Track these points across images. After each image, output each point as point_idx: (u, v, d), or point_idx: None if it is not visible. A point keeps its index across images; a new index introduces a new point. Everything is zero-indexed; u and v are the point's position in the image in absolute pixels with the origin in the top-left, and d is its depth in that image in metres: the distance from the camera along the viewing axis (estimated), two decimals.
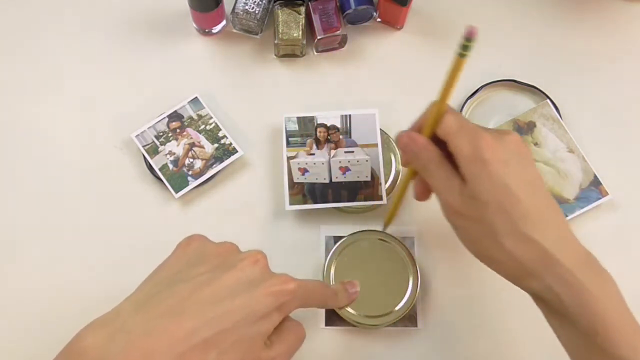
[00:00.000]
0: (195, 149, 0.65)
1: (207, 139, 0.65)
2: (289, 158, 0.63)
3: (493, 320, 0.60)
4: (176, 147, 0.64)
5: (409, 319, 0.59)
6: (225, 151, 0.64)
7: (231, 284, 0.44)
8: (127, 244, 0.63)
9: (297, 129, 0.64)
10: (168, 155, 0.64)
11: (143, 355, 0.40)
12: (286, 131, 0.64)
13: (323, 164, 0.63)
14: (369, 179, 0.62)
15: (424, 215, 0.64)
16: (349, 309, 0.57)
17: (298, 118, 0.65)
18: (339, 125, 0.64)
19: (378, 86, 0.69)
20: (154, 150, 0.64)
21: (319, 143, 0.64)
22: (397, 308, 0.58)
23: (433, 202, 0.64)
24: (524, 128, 0.66)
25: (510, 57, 0.70)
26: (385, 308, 0.58)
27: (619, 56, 0.71)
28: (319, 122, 0.64)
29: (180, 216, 0.64)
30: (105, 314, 0.44)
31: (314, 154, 0.63)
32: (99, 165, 0.65)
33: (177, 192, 0.63)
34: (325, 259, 0.60)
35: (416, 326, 0.59)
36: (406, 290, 0.58)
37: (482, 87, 0.68)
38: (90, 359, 0.40)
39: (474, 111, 0.68)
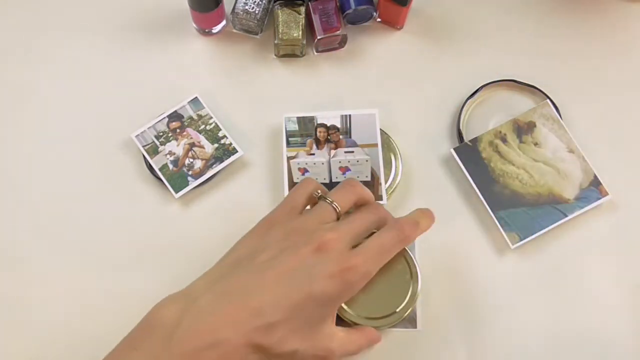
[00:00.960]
0: (195, 149, 0.65)
1: (207, 139, 0.65)
2: (289, 158, 0.63)
3: (493, 321, 0.60)
4: (176, 147, 0.64)
5: (409, 320, 0.59)
6: (225, 151, 0.64)
7: (291, 268, 0.47)
8: (127, 244, 0.63)
9: (297, 129, 0.64)
10: (168, 155, 0.64)
11: (210, 331, 0.44)
12: (286, 131, 0.64)
13: (323, 164, 0.63)
14: (369, 179, 0.62)
15: None
16: (349, 310, 0.56)
17: (298, 118, 0.65)
18: (339, 125, 0.64)
19: (378, 86, 0.69)
20: (154, 150, 0.64)
21: (319, 143, 0.64)
22: (398, 309, 0.58)
23: (434, 203, 0.65)
24: (524, 128, 0.66)
25: (510, 57, 0.70)
26: (386, 310, 0.57)
27: (619, 56, 0.71)
28: (319, 122, 0.64)
29: (180, 216, 0.64)
30: (180, 291, 0.48)
31: (314, 154, 0.63)
32: (99, 165, 0.65)
33: (177, 192, 0.63)
34: None
35: (416, 327, 0.59)
36: (407, 291, 0.58)
37: (482, 87, 0.68)
38: (162, 332, 0.44)
39: (474, 111, 0.68)
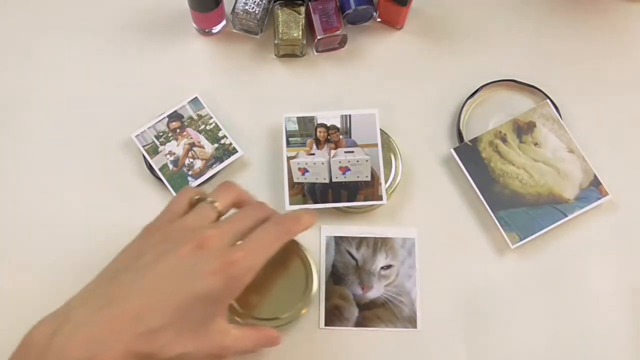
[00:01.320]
0: (195, 149, 0.65)
1: (207, 139, 0.65)
2: (289, 158, 0.63)
3: (493, 321, 0.60)
4: (176, 147, 0.64)
5: (409, 320, 0.59)
6: (225, 151, 0.64)
7: (171, 268, 0.45)
8: (127, 244, 0.62)
9: (297, 129, 0.64)
10: (168, 155, 0.64)
11: (84, 345, 0.42)
12: (286, 131, 0.64)
13: (323, 164, 0.63)
14: (369, 179, 0.62)
15: (421, 220, 0.64)
16: (246, 313, 0.55)
17: (298, 118, 0.65)
18: (339, 125, 0.64)
19: (378, 86, 0.69)
20: (154, 150, 0.64)
21: (319, 143, 0.64)
22: (293, 309, 0.56)
23: (434, 203, 0.65)
24: (524, 128, 0.66)
25: (510, 57, 0.70)
26: (282, 310, 0.56)
27: (619, 56, 0.71)
28: (319, 122, 0.64)
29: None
30: (56, 310, 0.46)
31: (314, 154, 0.63)
32: (99, 165, 0.65)
33: (177, 192, 0.63)
34: None
35: (416, 327, 0.59)
36: (303, 291, 0.57)
37: (482, 87, 0.68)
38: (37, 351, 0.42)
39: (474, 111, 0.68)
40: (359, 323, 0.59)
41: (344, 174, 0.63)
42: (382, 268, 0.61)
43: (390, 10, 0.69)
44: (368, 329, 0.59)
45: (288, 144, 0.64)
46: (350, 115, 0.64)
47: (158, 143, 0.65)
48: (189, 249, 0.46)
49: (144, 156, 0.64)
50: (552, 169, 0.64)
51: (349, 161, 0.63)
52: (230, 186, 0.52)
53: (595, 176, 0.64)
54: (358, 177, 0.62)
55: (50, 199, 0.64)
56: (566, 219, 0.62)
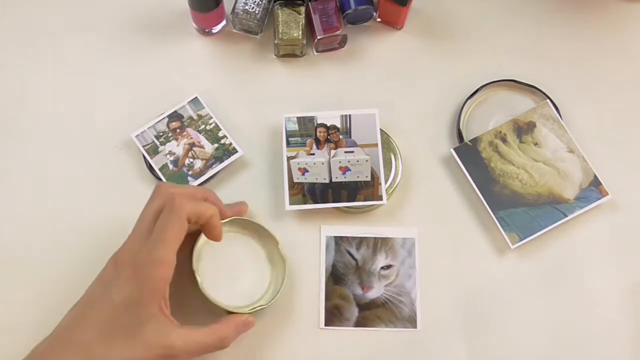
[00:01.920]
0: (195, 149, 0.65)
1: (207, 139, 0.65)
2: (289, 158, 0.63)
3: (493, 321, 0.60)
4: (176, 147, 0.64)
5: (409, 320, 0.59)
6: (225, 151, 0.64)
7: (95, 292, 0.52)
8: None
9: (297, 129, 0.64)
10: (168, 155, 0.64)
11: None
12: (286, 131, 0.64)
13: (323, 164, 0.63)
14: (369, 179, 0.62)
15: (421, 220, 0.64)
16: (220, 301, 0.56)
17: (298, 118, 0.65)
18: (339, 125, 0.64)
19: (378, 86, 0.69)
20: (154, 150, 0.64)
21: (319, 143, 0.64)
22: (263, 294, 0.59)
23: (434, 203, 0.65)
24: (524, 128, 0.66)
25: (510, 57, 0.70)
26: (252, 296, 0.58)
27: (619, 56, 0.71)
28: (319, 122, 0.64)
29: None
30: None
31: (314, 154, 0.63)
32: (99, 165, 0.65)
33: None
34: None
35: (415, 327, 0.59)
36: (268, 275, 0.60)
37: (482, 87, 0.68)
38: None
39: (474, 111, 0.68)
40: (359, 323, 0.59)
41: (344, 174, 0.63)
42: (382, 268, 0.61)
43: (390, 10, 0.69)
44: (368, 329, 0.59)
45: (288, 144, 0.64)
46: (350, 115, 0.64)
47: (158, 143, 0.65)
48: (109, 270, 0.51)
49: (144, 156, 0.64)
50: (552, 169, 0.64)
51: (349, 161, 0.63)
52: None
53: (595, 176, 0.64)
54: (358, 177, 0.62)
55: (50, 198, 0.64)
56: (566, 219, 0.62)
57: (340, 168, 0.63)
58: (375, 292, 0.60)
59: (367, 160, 0.63)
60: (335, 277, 0.61)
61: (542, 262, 0.62)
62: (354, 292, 0.60)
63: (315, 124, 0.64)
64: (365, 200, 0.62)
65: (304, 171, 0.63)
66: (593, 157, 0.65)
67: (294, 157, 0.63)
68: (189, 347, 0.50)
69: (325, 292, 0.60)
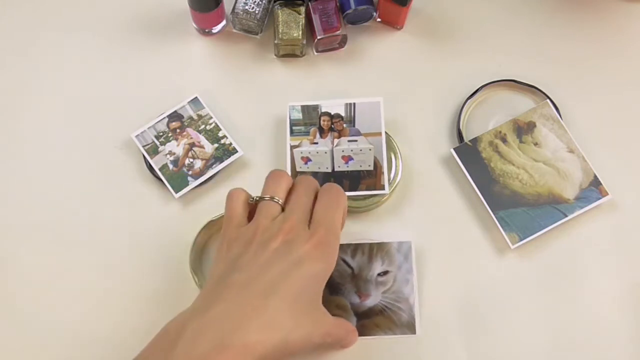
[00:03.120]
0: (195, 149, 0.65)
1: (207, 139, 0.65)
2: (292, 147, 0.63)
3: (493, 321, 0.60)
4: (176, 147, 0.64)
5: (408, 326, 0.59)
6: (225, 151, 0.64)
7: (269, 262, 0.49)
8: (127, 244, 0.63)
9: (301, 117, 0.64)
10: (168, 155, 0.64)
11: (217, 336, 0.45)
12: (290, 120, 0.64)
13: (326, 153, 0.63)
14: (371, 168, 0.62)
15: (421, 220, 0.64)
16: None
17: (302, 107, 0.64)
18: (343, 114, 0.64)
19: (378, 86, 0.69)
20: (154, 150, 0.64)
21: (322, 132, 0.64)
22: None
23: (434, 203, 0.65)
24: (524, 128, 0.66)
25: (510, 57, 0.70)
26: None
27: (618, 56, 0.71)
28: (323, 111, 0.64)
29: (180, 216, 0.64)
30: (184, 310, 0.49)
31: (317, 143, 0.63)
32: (99, 165, 0.65)
33: (177, 192, 0.63)
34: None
35: (415, 333, 0.59)
36: None
37: (482, 87, 0.68)
38: (172, 337, 0.46)
39: (474, 111, 0.68)
40: (358, 332, 0.58)
41: (346, 163, 0.62)
42: (379, 275, 0.60)
43: (390, 10, 0.69)
44: (367, 337, 0.59)
45: (292, 132, 0.63)
46: (354, 104, 0.64)
47: (158, 143, 0.65)
48: (277, 244, 0.49)
49: (144, 156, 0.64)
50: (552, 169, 0.64)
51: (352, 150, 0.62)
52: (278, 175, 0.54)
53: (595, 176, 0.64)
54: (361, 166, 0.62)
55: (50, 198, 0.64)
56: (566, 219, 0.62)
57: (343, 157, 0.62)
58: (373, 299, 0.59)
59: (370, 149, 0.62)
60: (331, 287, 0.59)
61: (542, 262, 0.62)
62: (351, 301, 0.59)
63: (319, 113, 0.64)
64: (367, 189, 0.61)
65: (306, 160, 0.62)
66: (593, 157, 0.65)
67: (297, 146, 0.63)
68: (334, 337, 0.52)
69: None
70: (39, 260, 0.62)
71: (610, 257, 0.63)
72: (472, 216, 0.64)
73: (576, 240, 0.63)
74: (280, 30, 0.67)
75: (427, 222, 0.64)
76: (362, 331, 0.58)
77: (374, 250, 0.60)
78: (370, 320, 0.59)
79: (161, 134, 0.65)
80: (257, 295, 0.46)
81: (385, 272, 0.60)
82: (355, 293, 0.59)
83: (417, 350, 0.59)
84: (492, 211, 0.63)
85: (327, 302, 0.57)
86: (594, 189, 0.64)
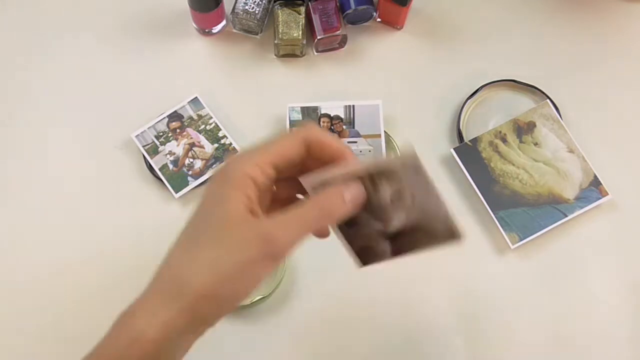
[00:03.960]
0: (195, 149, 0.65)
1: (207, 139, 0.65)
2: None
3: (493, 321, 0.60)
4: (176, 147, 0.64)
5: (449, 234, 0.48)
6: (225, 151, 0.64)
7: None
8: (127, 244, 0.63)
9: (300, 118, 0.64)
10: (168, 155, 0.64)
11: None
12: (290, 121, 0.64)
13: None
14: None
15: None
16: None
17: (302, 108, 0.64)
18: (342, 116, 0.64)
19: (378, 86, 0.69)
20: (154, 150, 0.64)
21: None
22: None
23: None
24: (524, 128, 0.66)
25: (510, 57, 0.70)
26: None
27: (618, 56, 0.71)
28: (322, 112, 0.64)
29: (180, 216, 0.63)
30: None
31: None
32: (99, 165, 0.65)
33: (177, 192, 0.63)
34: None
35: (460, 238, 0.47)
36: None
37: (482, 87, 0.68)
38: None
39: (474, 111, 0.68)
40: (397, 252, 0.48)
41: None
42: (392, 199, 0.47)
43: (390, 10, 0.69)
44: (408, 255, 0.49)
45: None
46: (354, 106, 0.64)
47: (158, 143, 0.65)
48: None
49: (144, 156, 0.64)
50: (552, 169, 0.64)
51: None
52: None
53: (595, 176, 0.64)
54: None
55: (50, 198, 0.64)
56: (566, 219, 0.62)
57: None
58: (397, 221, 0.47)
59: (370, 151, 0.63)
60: (346, 224, 0.48)
61: (542, 262, 0.62)
62: (375, 228, 0.48)
63: (319, 114, 0.64)
64: None
65: None
66: (593, 157, 0.65)
67: None
68: (289, 230, 0.40)
69: (343, 239, 0.48)
70: (38, 259, 0.62)
71: (610, 257, 0.63)
72: (472, 216, 0.64)
73: (576, 240, 0.63)
74: (280, 30, 0.67)
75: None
76: (402, 249, 0.49)
77: (374, 178, 0.47)
78: (404, 239, 0.49)
79: (161, 134, 0.65)
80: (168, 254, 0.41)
81: (398, 192, 0.47)
82: (375, 220, 0.48)
83: (418, 344, 0.59)
84: (492, 211, 0.63)
85: (350, 237, 0.48)
86: (594, 189, 0.64)
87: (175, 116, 0.65)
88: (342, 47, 0.70)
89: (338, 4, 0.68)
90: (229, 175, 0.40)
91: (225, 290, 0.39)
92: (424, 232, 0.50)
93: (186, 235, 0.41)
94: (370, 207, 0.48)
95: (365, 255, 0.51)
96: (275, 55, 0.69)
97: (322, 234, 0.45)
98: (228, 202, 0.40)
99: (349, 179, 0.45)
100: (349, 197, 0.43)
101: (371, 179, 0.48)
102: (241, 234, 0.39)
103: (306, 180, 0.43)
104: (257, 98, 0.68)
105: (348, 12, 0.68)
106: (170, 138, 0.65)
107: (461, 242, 0.48)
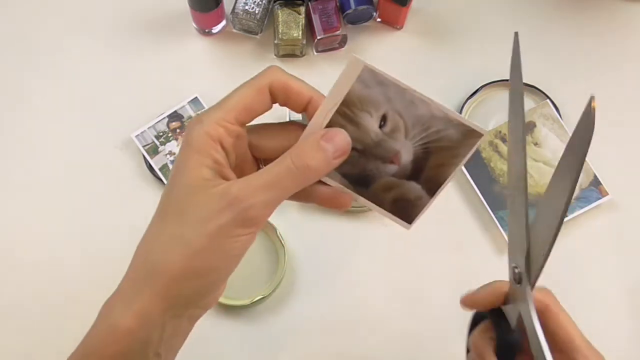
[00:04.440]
0: None
1: None
2: None
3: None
4: (176, 147, 0.64)
5: (469, 135, 0.41)
6: None
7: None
8: (127, 244, 0.62)
9: (300, 118, 0.64)
10: (168, 155, 0.64)
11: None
12: (290, 121, 0.64)
13: None
14: None
15: (425, 217, 0.63)
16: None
17: None
18: None
19: None
20: (154, 150, 0.64)
21: None
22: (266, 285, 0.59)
23: (434, 204, 0.64)
24: None
25: (510, 57, 0.70)
26: (256, 287, 0.59)
27: (618, 56, 0.71)
28: None
29: None
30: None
31: None
32: (99, 165, 0.65)
33: None
34: None
35: (483, 135, 0.38)
36: (275, 269, 0.60)
37: (482, 87, 0.68)
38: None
39: (474, 111, 0.68)
40: (431, 188, 0.43)
41: None
42: (381, 127, 0.40)
43: (390, 10, 0.69)
44: (445, 185, 0.43)
45: None
46: None
47: (158, 143, 0.65)
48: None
49: (144, 156, 0.64)
50: (552, 169, 0.64)
51: None
52: None
53: (595, 176, 0.64)
54: None
55: (50, 199, 0.64)
56: (566, 219, 0.62)
57: None
58: (407, 152, 0.40)
59: None
60: (357, 181, 0.41)
61: None
62: (389, 172, 0.41)
63: None
64: None
65: None
66: (593, 157, 0.65)
67: None
68: (259, 191, 0.34)
69: (370, 201, 0.41)
70: (38, 259, 0.62)
71: (610, 257, 0.63)
72: (472, 216, 0.64)
73: (576, 240, 0.63)
74: (280, 30, 0.67)
75: (427, 222, 0.63)
76: (434, 182, 0.43)
77: (346, 113, 0.40)
78: (428, 170, 0.42)
79: (161, 134, 0.65)
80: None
81: (383, 117, 0.40)
82: (382, 162, 0.41)
83: (418, 344, 0.59)
84: (492, 211, 0.63)
85: (371, 196, 0.41)
86: (594, 189, 0.64)
87: (175, 116, 0.66)
88: (342, 47, 0.70)
89: (338, 4, 0.68)
90: (189, 139, 0.35)
91: (198, 267, 0.34)
92: (442, 150, 0.42)
93: (156, 211, 0.38)
94: (367, 150, 0.41)
95: (403, 211, 0.44)
96: (275, 55, 0.69)
97: (335, 202, 0.39)
98: (189, 168, 0.35)
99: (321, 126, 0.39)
100: (327, 142, 0.37)
101: (344, 115, 0.40)
102: (205, 201, 0.34)
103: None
104: None
105: (348, 12, 0.68)
106: (170, 138, 0.65)
107: (486, 136, 0.42)
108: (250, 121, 0.37)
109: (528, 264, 0.41)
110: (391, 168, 0.41)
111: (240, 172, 0.37)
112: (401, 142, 0.41)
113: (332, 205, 0.39)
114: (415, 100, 0.39)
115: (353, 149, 0.39)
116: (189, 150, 0.35)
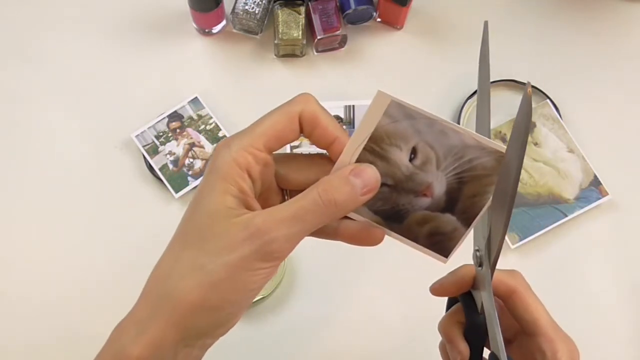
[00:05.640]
0: (195, 149, 0.65)
1: (207, 139, 0.65)
2: (292, 147, 0.63)
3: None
4: (176, 147, 0.64)
5: (497, 157, 0.38)
6: None
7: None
8: (127, 244, 0.63)
9: None
10: (168, 155, 0.64)
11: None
12: None
13: (325, 153, 0.63)
14: None
15: None
16: None
17: None
18: (342, 116, 0.64)
19: (378, 86, 0.68)
20: (154, 150, 0.64)
21: None
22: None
23: None
24: None
25: (510, 57, 0.70)
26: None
27: (618, 56, 0.71)
28: None
29: (180, 216, 0.63)
30: None
31: None
32: (99, 165, 0.65)
33: (177, 192, 0.63)
34: None
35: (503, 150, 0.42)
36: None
37: None
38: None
39: (474, 111, 0.68)
40: (465, 220, 0.40)
41: None
42: (411, 160, 0.39)
43: (390, 10, 0.69)
44: (481, 214, 0.40)
45: None
46: (353, 106, 0.64)
47: (158, 143, 0.65)
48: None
49: (144, 156, 0.64)
50: (552, 169, 0.64)
51: None
52: None
53: (595, 176, 0.64)
54: None
55: (50, 199, 0.64)
56: (566, 219, 0.62)
57: None
58: (439, 184, 0.39)
59: None
60: (390, 217, 0.40)
61: (542, 262, 0.62)
62: (422, 206, 0.40)
63: None
64: None
65: None
66: (593, 157, 0.65)
67: (297, 147, 0.63)
68: (283, 224, 0.33)
69: (405, 238, 0.41)
70: (38, 259, 0.62)
71: (610, 257, 0.63)
72: None
73: (576, 240, 0.63)
74: (280, 30, 0.67)
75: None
76: (470, 213, 0.40)
77: (374, 149, 0.39)
78: (464, 200, 0.40)
79: (161, 134, 0.65)
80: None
81: (413, 151, 0.39)
82: (415, 196, 0.40)
83: (417, 350, 0.59)
84: None
85: (407, 231, 0.41)
86: (594, 189, 0.64)
87: (175, 116, 0.66)
88: (342, 47, 0.70)
89: (338, 4, 0.68)
90: (215, 164, 0.35)
91: (215, 299, 0.33)
92: (477, 179, 0.40)
93: (175, 236, 0.37)
94: (398, 185, 0.40)
95: (439, 244, 0.42)
96: (275, 55, 0.69)
97: (365, 238, 0.38)
98: (213, 195, 0.34)
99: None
100: (355, 177, 0.35)
101: (372, 152, 0.40)
102: (227, 231, 0.33)
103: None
104: (257, 98, 0.68)
105: (348, 12, 0.68)
106: (170, 138, 0.65)
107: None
108: (278, 149, 0.36)
109: (489, 248, 0.40)
110: (424, 201, 0.40)
111: (264, 201, 0.36)
112: (433, 173, 0.40)
113: (361, 242, 0.38)
114: (446, 130, 0.38)
115: (384, 184, 0.38)
116: (215, 176, 0.34)
